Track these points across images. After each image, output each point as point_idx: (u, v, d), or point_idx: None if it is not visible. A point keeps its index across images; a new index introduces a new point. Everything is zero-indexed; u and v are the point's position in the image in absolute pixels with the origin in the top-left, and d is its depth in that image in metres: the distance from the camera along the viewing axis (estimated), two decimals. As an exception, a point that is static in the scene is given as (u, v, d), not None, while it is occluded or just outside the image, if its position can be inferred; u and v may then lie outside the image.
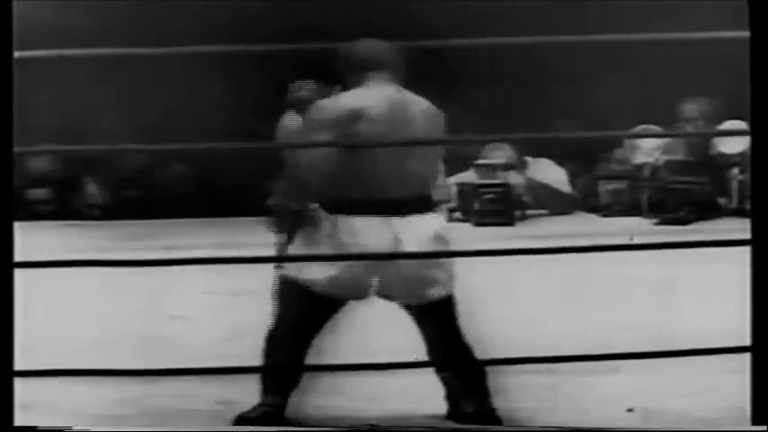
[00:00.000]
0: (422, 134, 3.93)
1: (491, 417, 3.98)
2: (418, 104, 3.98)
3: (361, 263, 3.80)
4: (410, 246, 3.82)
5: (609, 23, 4.55)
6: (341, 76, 4.01)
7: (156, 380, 4.10)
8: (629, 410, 4.44)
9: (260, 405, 4.10)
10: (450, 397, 4.09)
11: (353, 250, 3.78)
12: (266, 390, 4.06)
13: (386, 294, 3.93)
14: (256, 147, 10.42)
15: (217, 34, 5.89)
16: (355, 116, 3.86)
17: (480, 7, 9.23)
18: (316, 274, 3.85)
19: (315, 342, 3.95)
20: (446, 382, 4.05)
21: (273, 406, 4.00)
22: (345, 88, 4.00)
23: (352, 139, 3.81)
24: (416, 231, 3.85)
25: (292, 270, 3.91)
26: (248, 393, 4.55)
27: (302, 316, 3.90)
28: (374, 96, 3.91)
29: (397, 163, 3.85)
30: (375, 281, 3.86)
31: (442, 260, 3.87)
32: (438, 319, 3.90)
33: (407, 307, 3.97)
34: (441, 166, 4.42)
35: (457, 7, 9.41)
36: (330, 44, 2.57)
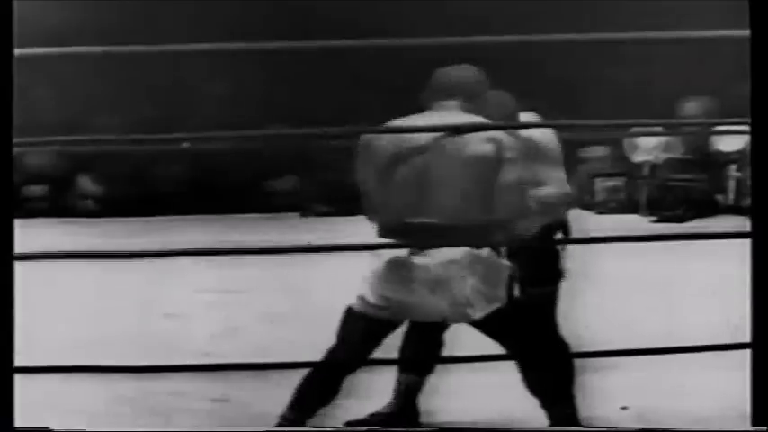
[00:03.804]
0: (469, 165, 3.68)
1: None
2: (472, 137, 3.73)
3: (405, 287, 3.71)
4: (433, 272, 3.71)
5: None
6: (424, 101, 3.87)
7: (151, 377, 4.09)
8: (624, 408, 4.45)
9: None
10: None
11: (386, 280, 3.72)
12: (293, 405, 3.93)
13: (429, 316, 3.83)
14: (250, 145, 10.43)
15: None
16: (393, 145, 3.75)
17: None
18: (365, 299, 3.79)
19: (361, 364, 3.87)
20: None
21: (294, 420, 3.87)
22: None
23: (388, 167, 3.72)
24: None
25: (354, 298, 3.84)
26: (241, 390, 4.56)
27: (354, 341, 3.83)
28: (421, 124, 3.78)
29: (418, 190, 3.71)
30: (422, 303, 3.75)
31: (485, 278, 3.74)
32: (494, 333, 3.80)
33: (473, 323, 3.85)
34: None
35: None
36: (333, 43, 2.55)
